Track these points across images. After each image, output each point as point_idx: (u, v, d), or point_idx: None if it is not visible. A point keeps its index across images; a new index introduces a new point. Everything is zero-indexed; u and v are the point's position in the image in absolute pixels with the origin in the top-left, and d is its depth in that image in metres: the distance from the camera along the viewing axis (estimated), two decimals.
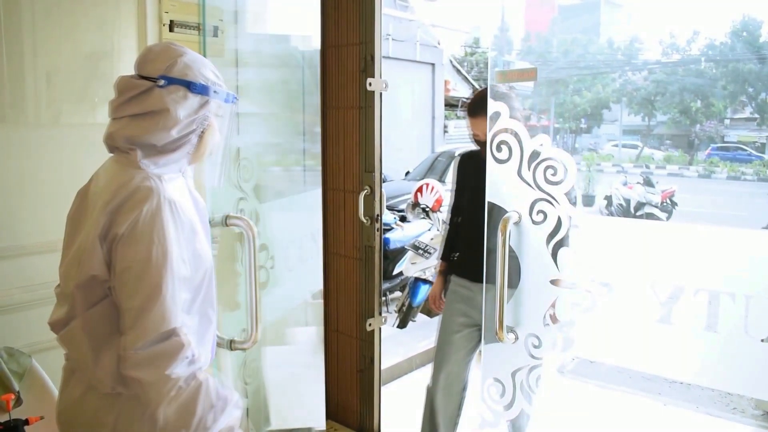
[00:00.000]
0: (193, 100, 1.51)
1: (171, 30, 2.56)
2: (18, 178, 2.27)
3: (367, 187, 3.07)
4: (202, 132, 1.56)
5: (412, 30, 16.24)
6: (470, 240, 2.78)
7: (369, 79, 2.99)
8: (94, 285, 1.43)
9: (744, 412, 4.03)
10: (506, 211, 2.16)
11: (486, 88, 2.65)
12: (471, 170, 2.83)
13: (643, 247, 2.14)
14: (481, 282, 2.68)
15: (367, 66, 3.02)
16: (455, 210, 2.93)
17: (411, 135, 15.59)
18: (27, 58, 2.29)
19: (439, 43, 17.47)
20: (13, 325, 2.24)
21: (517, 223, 2.12)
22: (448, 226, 3.01)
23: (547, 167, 2.03)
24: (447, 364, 2.82)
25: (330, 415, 3.41)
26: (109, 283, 1.43)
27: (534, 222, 2.10)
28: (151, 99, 1.48)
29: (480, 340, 2.80)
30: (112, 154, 1.58)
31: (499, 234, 2.11)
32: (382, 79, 3.03)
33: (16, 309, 2.25)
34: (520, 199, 2.12)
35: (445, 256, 2.98)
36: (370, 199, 3.07)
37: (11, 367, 1.96)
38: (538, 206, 2.08)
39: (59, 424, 1.59)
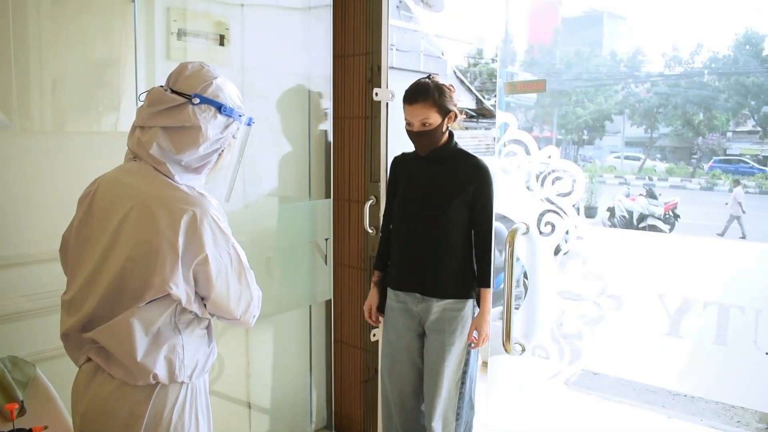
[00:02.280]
0: (221, 120, 1.62)
1: (179, 39, 2.56)
2: (23, 185, 2.26)
3: (372, 197, 3.07)
4: (221, 152, 1.68)
5: (416, 41, 16.28)
6: (401, 248, 2.70)
7: (375, 89, 3.00)
8: (158, 293, 1.53)
9: (748, 425, 4.00)
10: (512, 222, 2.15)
11: (425, 78, 2.61)
12: (402, 173, 2.75)
13: (651, 259, 2.13)
14: (415, 292, 2.63)
15: (373, 76, 3.02)
16: (387, 216, 2.82)
17: None
18: (33, 65, 2.29)
19: (442, 54, 17.52)
20: (17, 334, 2.23)
21: (525, 234, 2.11)
22: (380, 233, 2.89)
23: (556, 179, 2.03)
24: (400, 382, 2.70)
25: (334, 425, 3.39)
26: (171, 291, 1.52)
27: (542, 233, 2.09)
28: (183, 114, 1.57)
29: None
30: (126, 162, 1.66)
31: (507, 245, 2.10)
32: (389, 89, 3.03)
33: (20, 318, 2.24)
34: (527, 210, 2.12)
35: (378, 266, 2.82)
36: (375, 209, 3.07)
37: (15, 376, 1.95)
38: (546, 218, 2.07)
39: (83, 423, 1.62)
